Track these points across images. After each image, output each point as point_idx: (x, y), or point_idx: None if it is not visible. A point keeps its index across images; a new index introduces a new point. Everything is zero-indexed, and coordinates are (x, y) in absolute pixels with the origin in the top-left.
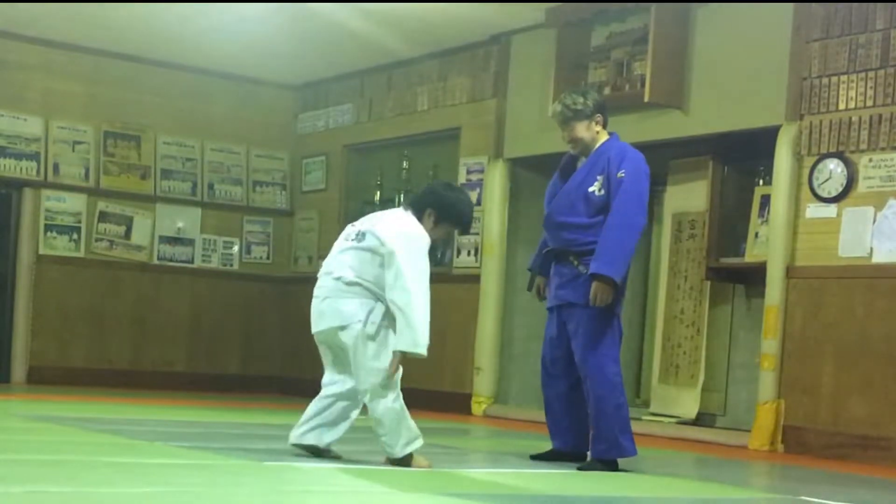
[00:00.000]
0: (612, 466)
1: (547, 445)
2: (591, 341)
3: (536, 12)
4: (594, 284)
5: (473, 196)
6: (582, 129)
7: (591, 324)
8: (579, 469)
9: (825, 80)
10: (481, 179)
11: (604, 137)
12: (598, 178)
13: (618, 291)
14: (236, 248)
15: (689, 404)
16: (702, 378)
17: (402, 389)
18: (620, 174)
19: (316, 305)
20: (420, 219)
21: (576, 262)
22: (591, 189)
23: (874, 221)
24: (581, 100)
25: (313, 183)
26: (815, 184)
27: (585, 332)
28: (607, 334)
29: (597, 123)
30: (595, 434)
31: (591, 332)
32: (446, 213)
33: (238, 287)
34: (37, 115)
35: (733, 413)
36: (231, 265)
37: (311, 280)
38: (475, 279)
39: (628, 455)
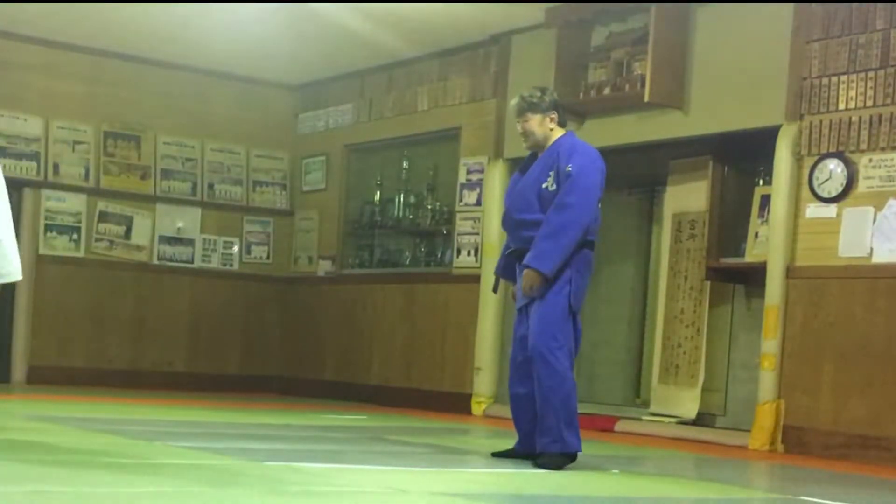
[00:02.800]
0: (562, 460)
1: None
2: (541, 333)
3: (536, 12)
4: (524, 273)
5: (474, 196)
6: (535, 123)
7: (545, 316)
8: (536, 465)
9: (825, 80)
10: (481, 179)
11: (558, 134)
12: (550, 173)
13: (555, 282)
14: (236, 248)
15: (689, 404)
16: (702, 378)
17: (402, 389)
18: (568, 168)
19: None
20: None
21: None
22: (543, 185)
23: (874, 221)
24: (538, 94)
25: (313, 183)
26: (815, 184)
27: (538, 324)
28: (560, 327)
29: (551, 120)
30: (540, 426)
31: (543, 324)
32: None
33: (238, 287)
34: (37, 115)
35: (733, 413)
36: (231, 265)
37: (312, 280)
38: (475, 279)
39: (571, 450)
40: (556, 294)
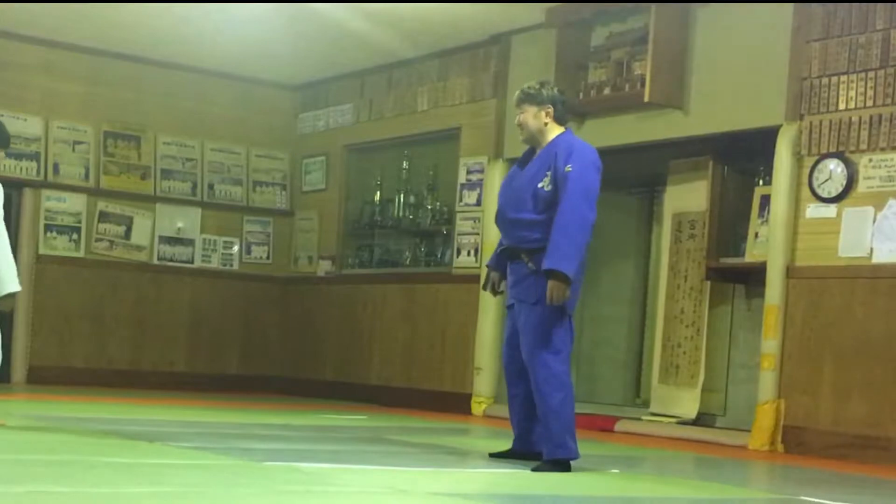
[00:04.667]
0: (563, 467)
1: None
2: (538, 338)
3: (536, 12)
4: (549, 282)
5: (474, 196)
6: (530, 115)
7: (539, 321)
8: (533, 470)
9: (825, 80)
10: (481, 179)
11: (555, 132)
12: (547, 173)
13: (571, 288)
14: (236, 248)
15: (689, 404)
16: (702, 378)
17: (402, 389)
18: (567, 168)
19: None
20: None
21: (526, 260)
22: (539, 185)
23: (874, 221)
24: (537, 87)
25: (313, 183)
26: (815, 184)
27: (533, 330)
28: (556, 332)
29: (547, 115)
30: (544, 434)
31: (539, 330)
32: None
33: (238, 287)
34: (37, 115)
35: (733, 413)
36: (231, 265)
37: (312, 280)
38: (475, 279)
39: (573, 457)
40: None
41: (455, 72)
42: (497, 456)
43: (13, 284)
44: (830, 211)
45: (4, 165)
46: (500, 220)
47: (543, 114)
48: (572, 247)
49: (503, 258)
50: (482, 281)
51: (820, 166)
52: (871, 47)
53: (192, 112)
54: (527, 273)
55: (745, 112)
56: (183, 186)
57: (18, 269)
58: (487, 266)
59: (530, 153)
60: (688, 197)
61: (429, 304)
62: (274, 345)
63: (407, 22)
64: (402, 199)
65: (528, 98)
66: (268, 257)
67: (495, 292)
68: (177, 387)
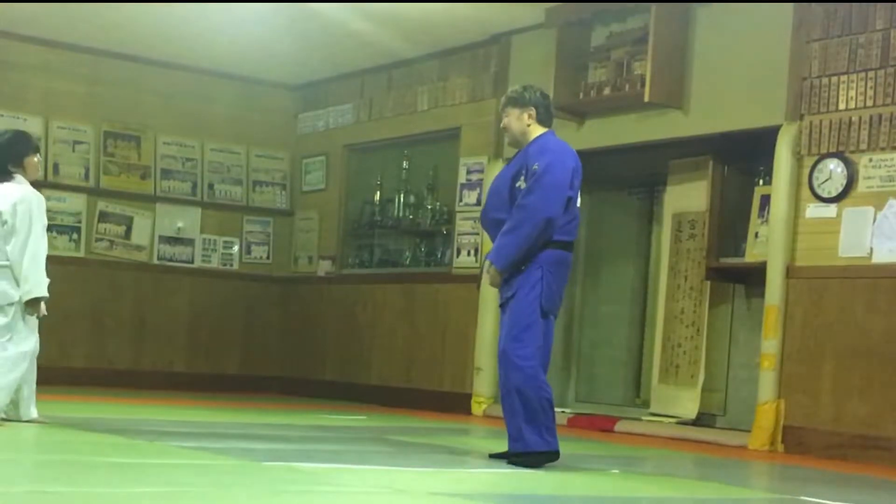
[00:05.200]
0: (528, 461)
1: None
2: (509, 332)
3: (536, 12)
4: (486, 267)
5: (474, 196)
6: (513, 118)
7: (510, 316)
8: (508, 463)
9: (825, 80)
10: (481, 179)
11: (537, 133)
12: (523, 173)
13: (519, 276)
14: (236, 248)
15: (689, 404)
16: (702, 378)
17: (402, 389)
18: (535, 166)
19: None
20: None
21: None
22: (517, 184)
23: (874, 221)
24: (520, 90)
25: (313, 183)
26: (815, 184)
27: (507, 324)
28: (528, 327)
29: (529, 117)
30: (507, 427)
31: (511, 324)
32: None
33: (238, 287)
34: (37, 115)
35: (733, 413)
36: (231, 265)
37: (312, 280)
38: (475, 279)
39: (532, 449)
40: (527, 294)
41: (455, 72)
42: (497, 457)
43: (39, 289)
44: (830, 211)
45: None
46: (482, 220)
47: (526, 116)
48: (511, 239)
49: None
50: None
51: (820, 166)
52: (871, 47)
53: (192, 112)
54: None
55: (745, 112)
56: (183, 186)
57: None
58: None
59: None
60: (688, 197)
61: (429, 304)
62: (274, 345)
63: (407, 22)
64: (402, 199)
65: (511, 101)
66: (268, 257)
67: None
68: (177, 387)
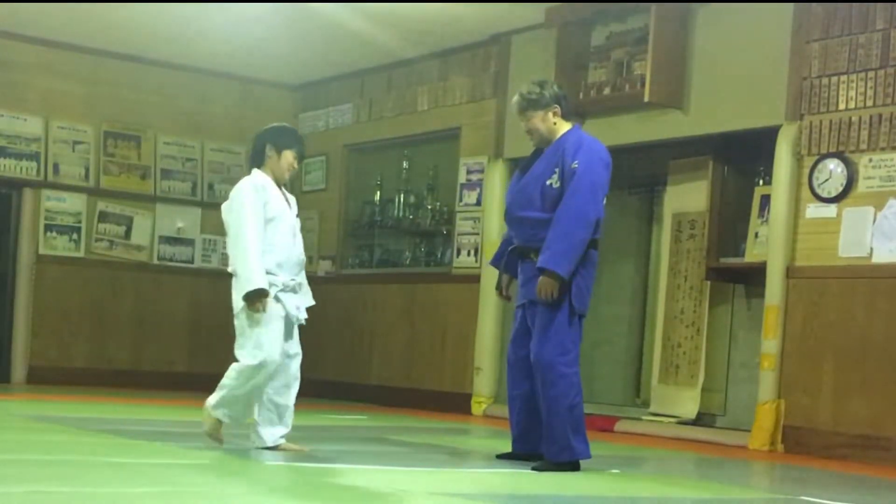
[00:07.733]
0: (568, 468)
1: None
2: (546, 339)
3: (536, 12)
4: (540, 278)
5: (474, 196)
6: (538, 120)
7: (549, 321)
8: (533, 469)
9: (825, 80)
10: (481, 179)
11: (563, 129)
12: (556, 170)
13: (571, 285)
14: None
15: (689, 404)
16: (702, 378)
17: (402, 389)
18: (574, 164)
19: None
20: (261, 164)
21: (535, 259)
22: (548, 182)
23: (874, 221)
24: (538, 90)
25: (313, 183)
26: (815, 184)
27: (542, 329)
28: (565, 332)
29: (554, 114)
30: (547, 435)
31: (548, 330)
32: (279, 140)
33: None
34: (37, 115)
35: (733, 413)
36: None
37: (312, 280)
38: (475, 279)
39: (580, 457)
40: (560, 298)
41: (455, 72)
42: (503, 457)
43: (249, 284)
44: (830, 211)
45: (4, 165)
46: (508, 218)
47: (550, 115)
48: (567, 244)
49: (514, 257)
50: (482, 281)
51: (820, 166)
52: (871, 47)
53: (192, 112)
54: (537, 272)
55: (745, 112)
56: (183, 186)
57: (18, 269)
58: (494, 265)
59: (534, 155)
60: (688, 197)
61: (429, 304)
62: None
63: (407, 22)
64: (402, 199)
65: (532, 104)
66: None
67: (503, 296)
68: (177, 387)
